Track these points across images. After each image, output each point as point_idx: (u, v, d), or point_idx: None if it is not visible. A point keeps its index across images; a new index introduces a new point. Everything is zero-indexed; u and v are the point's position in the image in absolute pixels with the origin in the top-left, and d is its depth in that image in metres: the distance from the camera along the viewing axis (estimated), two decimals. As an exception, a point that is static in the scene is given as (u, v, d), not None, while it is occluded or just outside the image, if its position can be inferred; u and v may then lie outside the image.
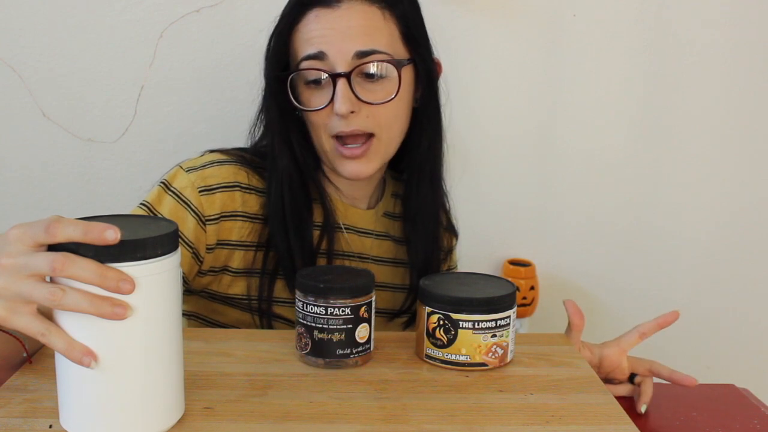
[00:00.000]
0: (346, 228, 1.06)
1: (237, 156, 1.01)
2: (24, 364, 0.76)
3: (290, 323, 1.01)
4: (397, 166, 1.11)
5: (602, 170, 1.58)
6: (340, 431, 0.66)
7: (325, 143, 0.98)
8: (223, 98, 1.44)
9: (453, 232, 1.18)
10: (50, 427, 0.64)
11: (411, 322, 1.10)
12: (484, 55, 1.50)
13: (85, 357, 0.58)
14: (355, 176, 0.98)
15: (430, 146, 1.05)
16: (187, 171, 0.97)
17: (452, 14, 1.46)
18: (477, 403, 0.72)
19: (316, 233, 1.02)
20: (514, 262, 1.57)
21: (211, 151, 1.02)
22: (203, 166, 0.98)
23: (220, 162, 0.99)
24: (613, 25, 1.51)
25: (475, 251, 1.54)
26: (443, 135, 1.06)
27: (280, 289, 1.01)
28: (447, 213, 1.15)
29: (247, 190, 0.99)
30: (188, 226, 0.95)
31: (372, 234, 1.08)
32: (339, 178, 1.05)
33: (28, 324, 0.60)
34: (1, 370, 0.75)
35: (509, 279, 0.90)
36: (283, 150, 0.99)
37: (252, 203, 1.00)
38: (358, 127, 0.95)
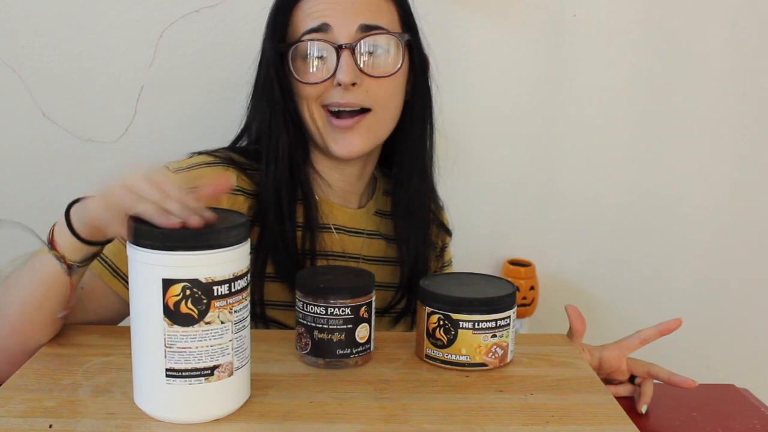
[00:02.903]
0: (336, 228, 1.05)
1: (224, 158, 1.00)
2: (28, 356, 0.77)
3: (284, 327, 1.00)
4: (387, 161, 1.11)
5: (602, 170, 1.58)
6: (340, 431, 0.66)
7: (317, 116, 0.98)
8: (223, 98, 1.44)
9: (446, 231, 1.17)
10: (50, 427, 0.64)
11: (400, 318, 1.09)
12: (484, 55, 1.50)
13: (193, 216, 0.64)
14: (347, 153, 0.98)
15: (421, 135, 1.05)
16: (173, 173, 0.95)
17: (452, 14, 1.46)
18: (477, 403, 0.72)
19: (301, 233, 1.00)
20: (514, 262, 1.57)
21: (198, 153, 1.00)
22: (189, 168, 0.96)
23: (207, 164, 0.98)
24: (613, 25, 1.51)
25: (475, 251, 1.55)
26: (434, 125, 1.06)
27: (274, 292, 1.00)
28: (439, 209, 1.15)
29: (235, 192, 0.98)
30: None
31: (363, 233, 1.08)
32: (330, 172, 1.04)
33: (147, 208, 0.65)
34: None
35: (509, 279, 0.90)
36: (282, 128, 0.98)
37: (239, 205, 0.98)
38: (355, 101, 0.95)
